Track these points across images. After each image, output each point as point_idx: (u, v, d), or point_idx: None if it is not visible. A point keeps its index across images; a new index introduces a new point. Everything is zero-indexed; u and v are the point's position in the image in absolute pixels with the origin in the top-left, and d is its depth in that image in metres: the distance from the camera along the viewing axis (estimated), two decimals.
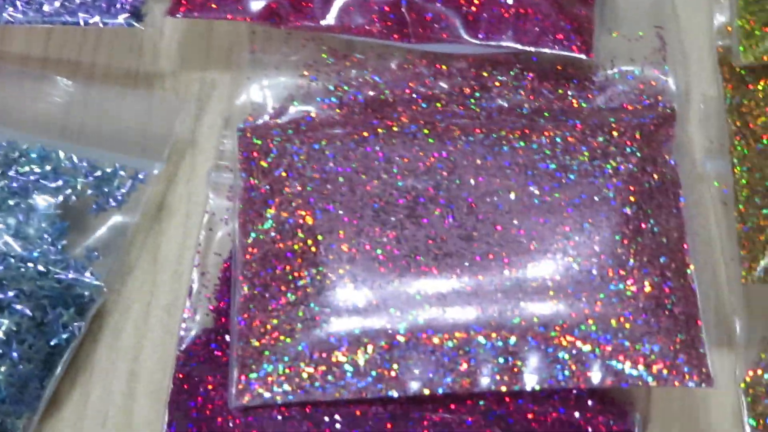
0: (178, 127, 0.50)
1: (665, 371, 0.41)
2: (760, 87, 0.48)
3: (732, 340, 0.45)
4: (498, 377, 0.41)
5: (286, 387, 0.41)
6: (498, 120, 0.46)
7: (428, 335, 0.41)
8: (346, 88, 0.49)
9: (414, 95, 0.48)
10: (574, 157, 0.44)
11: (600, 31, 0.49)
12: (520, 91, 0.48)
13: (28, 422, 0.43)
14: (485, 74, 0.48)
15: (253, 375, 0.42)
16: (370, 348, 0.41)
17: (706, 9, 0.52)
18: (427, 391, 0.41)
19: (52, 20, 0.49)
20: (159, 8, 0.50)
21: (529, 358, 0.41)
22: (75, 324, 0.45)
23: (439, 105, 0.48)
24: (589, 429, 0.42)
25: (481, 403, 0.42)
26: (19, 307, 0.43)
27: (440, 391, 0.41)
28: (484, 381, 0.41)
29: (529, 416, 0.42)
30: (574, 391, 0.43)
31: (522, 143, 0.44)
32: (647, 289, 0.42)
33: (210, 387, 0.43)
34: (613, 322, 0.41)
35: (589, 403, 0.43)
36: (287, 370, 0.42)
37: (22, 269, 0.45)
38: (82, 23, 0.49)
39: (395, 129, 0.45)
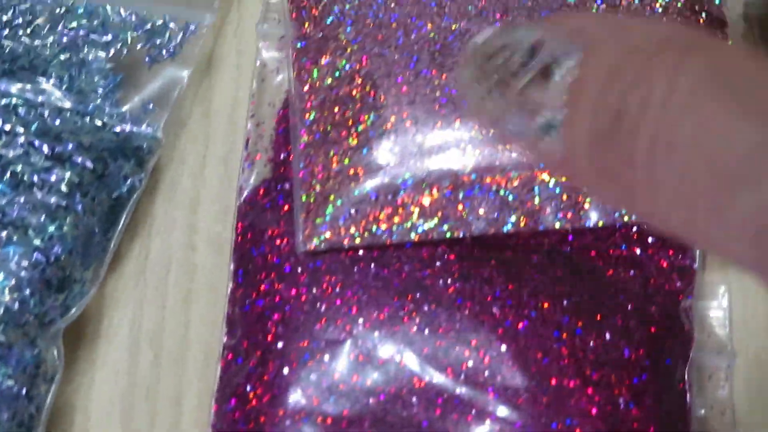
0: None
1: None
2: None
3: None
4: (562, 215, 0.41)
5: (353, 230, 0.42)
6: None
7: (493, 175, 0.42)
8: None
9: None
10: None
11: None
12: None
13: (95, 273, 0.44)
14: None
15: (319, 219, 0.42)
16: (434, 189, 0.42)
17: None
18: (492, 230, 0.41)
19: None
20: None
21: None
22: (135, 176, 0.45)
23: None
24: (652, 264, 0.43)
25: (546, 242, 0.43)
26: (79, 159, 0.43)
27: (505, 230, 0.42)
28: (549, 219, 0.42)
29: (593, 254, 0.42)
30: (636, 229, 0.43)
31: None
32: None
33: (275, 233, 0.43)
34: None
35: (650, 240, 0.43)
36: (353, 213, 0.42)
37: (79, 123, 0.45)
38: None
39: None
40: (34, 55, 0.46)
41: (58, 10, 0.47)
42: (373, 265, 0.42)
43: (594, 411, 0.39)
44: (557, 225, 0.42)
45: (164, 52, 0.47)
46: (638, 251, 0.43)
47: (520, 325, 0.41)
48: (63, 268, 0.42)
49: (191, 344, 0.45)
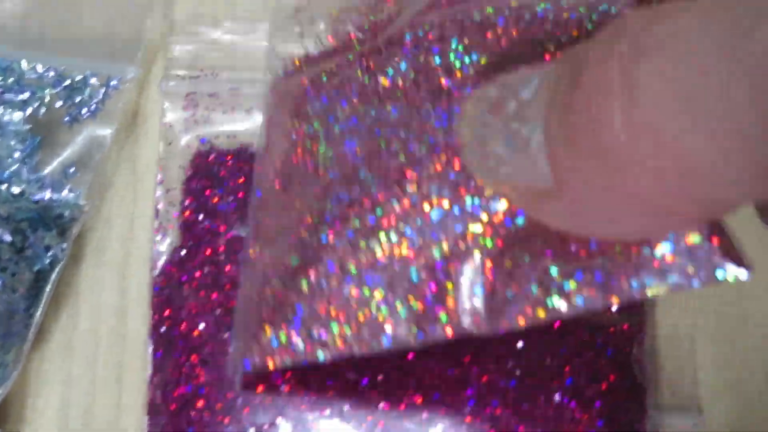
0: (149, 27, 0.46)
1: None
2: None
3: None
4: None
5: (302, 349, 0.34)
6: None
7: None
8: None
9: None
10: None
11: None
12: None
13: (17, 355, 0.41)
14: None
15: (264, 338, 0.35)
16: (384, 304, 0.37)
17: None
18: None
19: None
20: None
21: None
22: (58, 246, 0.42)
23: None
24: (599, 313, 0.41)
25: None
26: None
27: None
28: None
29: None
30: None
31: None
32: None
33: (194, 311, 0.41)
34: None
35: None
36: (302, 331, 0.35)
37: None
38: None
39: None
40: None
41: None
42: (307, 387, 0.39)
43: None
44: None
45: (85, 110, 0.44)
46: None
47: (463, 394, 0.38)
48: None
49: (124, 424, 0.42)
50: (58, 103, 0.44)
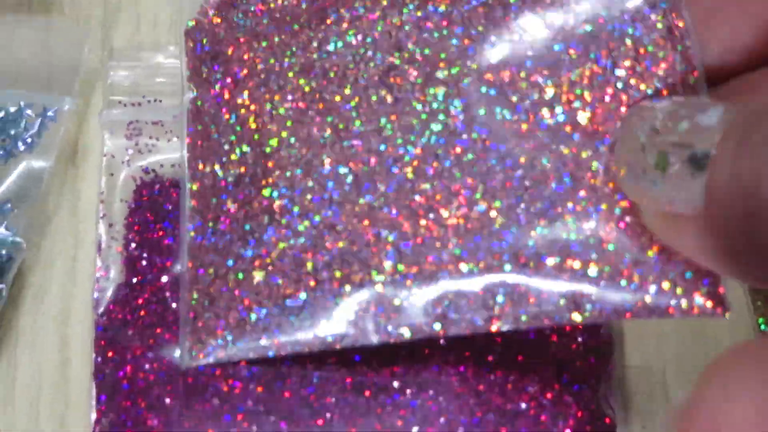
0: (86, 56, 0.44)
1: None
2: None
3: None
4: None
5: (243, 343, 0.35)
6: None
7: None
8: None
9: None
10: None
11: None
12: None
13: None
14: None
15: (208, 331, 0.36)
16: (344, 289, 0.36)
17: None
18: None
19: None
20: None
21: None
22: None
23: None
24: (564, 348, 0.38)
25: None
26: None
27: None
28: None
29: (498, 340, 0.38)
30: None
31: None
32: None
33: (138, 352, 0.38)
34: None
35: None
36: (244, 322, 0.35)
37: None
38: None
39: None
40: None
41: None
42: (259, 388, 0.36)
43: None
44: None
45: (20, 143, 0.42)
46: (546, 332, 0.38)
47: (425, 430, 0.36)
48: None
49: None
50: None
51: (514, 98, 0.34)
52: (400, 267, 0.34)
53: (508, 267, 0.33)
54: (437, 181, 0.34)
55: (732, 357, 0.24)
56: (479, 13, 0.35)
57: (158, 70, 0.43)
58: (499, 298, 0.33)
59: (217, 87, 0.39)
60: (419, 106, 0.35)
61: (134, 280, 0.40)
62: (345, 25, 0.37)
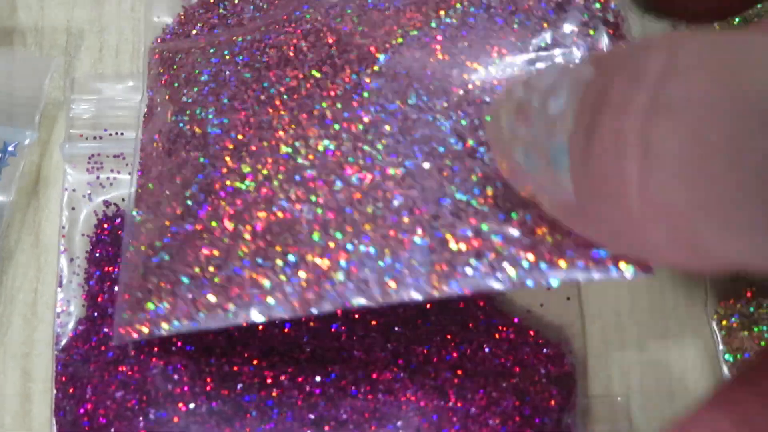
0: (47, 87, 0.43)
1: None
2: None
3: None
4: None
5: (177, 321, 0.35)
6: None
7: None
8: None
9: None
10: None
11: None
12: None
13: None
14: None
15: (139, 308, 0.36)
16: (273, 267, 0.36)
17: None
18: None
19: None
20: None
21: None
22: None
23: None
24: (526, 377, 0.38)
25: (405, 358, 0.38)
26: None
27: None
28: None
29: (459, 372, 0.38)
30: (507, 336, 0.39)
31: None
32: None
33: (99, 388, 0.38)
34: None
35: (523, 348, 0.39)
36: (178, 303, 0.35)
37: None
38: None
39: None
40: None
41: None
42: (211, 418, 0.36)
43: None
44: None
45: None
46: (509, 363, 0.38)
47: None
48: None
49: None
50: None
51: None
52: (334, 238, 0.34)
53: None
54: None
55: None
56: None
57: (119, 102, 0.43)
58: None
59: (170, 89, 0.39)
60: None
61: (95, 314, 0.39)
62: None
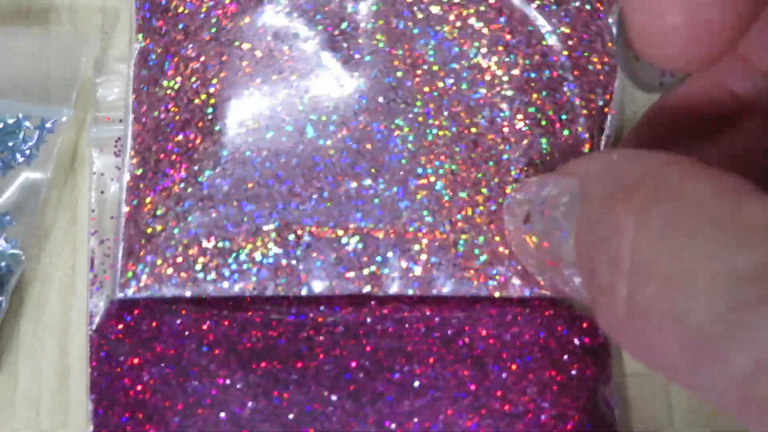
0: (84, 66, 0.44)
1: None
2: None
3: None
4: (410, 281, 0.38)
5: (175, 278, 0.38)
6: None
7: (334, 230, 0.38)
8: None
9: None
10: None
11: None
12: None
13: None
14: None
15: (141, 264, 0.38)
16: (270, 238, 0.38)
17: None
18: (335, 291, 0.38)
19: None
20: None
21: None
22: None
23: None
24: (561, 348, 0.38)
25: (439, 330, 0.38)
26: None
27: (346, 292, 0.38)
28: (394, 285, 0.38)
29: (492, 342, 0.38)
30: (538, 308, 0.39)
31: None
32: None
33: (135, 363, 0.38)
34: None
35: (556, 320, 0.39)
36: (178, 259, 0.38)
37: None
38: None
39: None
40: None
41: None
42: (249, 392, 0.37)
43: None
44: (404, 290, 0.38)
45: (18, 155, 0.42)
46: (543, 334, 0.38)
47: None
48: None
49: None
50: None
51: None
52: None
53: None
54: None
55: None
56: None
57: None
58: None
59: (166, 37, 0.40)
60: None
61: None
62: None
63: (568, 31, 0.39)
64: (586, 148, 0.39)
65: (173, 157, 0.39)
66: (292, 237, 0.38)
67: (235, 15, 0.39)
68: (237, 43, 0.39)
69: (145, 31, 0.41)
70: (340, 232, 0.38)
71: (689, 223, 0.23)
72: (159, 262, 0.38)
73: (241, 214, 0.38)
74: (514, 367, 0.38)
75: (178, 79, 0.40)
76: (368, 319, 0.38)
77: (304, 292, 0.38)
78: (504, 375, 0.37)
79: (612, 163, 0.29)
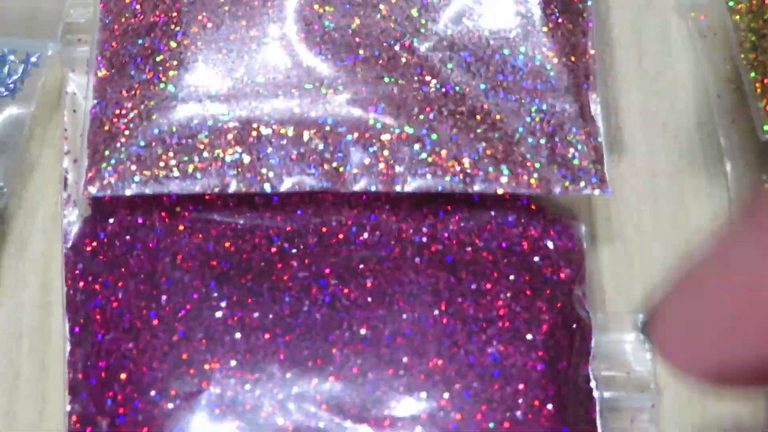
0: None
1: None
2: None
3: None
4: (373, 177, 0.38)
5: (138, 176, 0.37)
6: None
7: (298, 129, 0.38)
8: None
9: None
10: None
11: None
12: None
13: None
14: None
15: (104, 163, 0.38)
16: (233, 136, 0.38)
17: None
18: (297, 188, 0.37)
19: None
20: None
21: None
22: None
23: None
24: (534, 251, 0.38)
25: (415, 239, 0.38)
26: None
27: (308, 188, 0.38)
28: (360, 182, 0.38)
29: (469, 250, 0.38)
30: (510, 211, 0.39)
31: None
32: None
33: (109, 281, 0.38)
34: None
35: (530, 222, 0.39)
36: (141, 157, 0.38)
37: None
38: None
39: None
40: None
41: None
42: (223, 303, 0.37)
43: (490, 427, 0.35)
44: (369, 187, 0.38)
45: (3, 88, 0.41)
46: (516, 238, 0.38)
47: (396, 342, 0.36)
48: None
49: (48, 419, 0.39)
50: None
51: None
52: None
53: None
54: None
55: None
56: None
57: None
58: None
59: None
60: None
61: (99, 211, 0.40)
62: None
63: None
64: None
65: (138, 59, 0.39)
66: (254, 134, 0.38)
67: None
68: None
69: None
70: (303, 130, 0.38)
71: None
72: (123, 159, 0.37)
73: (205, 113, 0.38)
74: (487, 271, 0.38)
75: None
76: (341, 228, 0.38)
77: (267, 188, 0.37)
78: (477, 279, 0.37)
79: None
